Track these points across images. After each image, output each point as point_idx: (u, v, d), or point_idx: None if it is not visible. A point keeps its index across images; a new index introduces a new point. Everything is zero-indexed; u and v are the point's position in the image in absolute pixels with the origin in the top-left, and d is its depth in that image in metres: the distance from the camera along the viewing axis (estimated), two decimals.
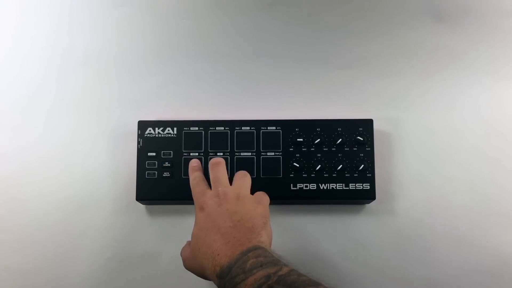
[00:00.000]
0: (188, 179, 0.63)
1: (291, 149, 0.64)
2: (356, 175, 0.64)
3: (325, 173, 0.64)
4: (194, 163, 0.62)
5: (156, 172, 0.64)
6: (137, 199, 0.64)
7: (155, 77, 0.69)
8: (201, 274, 0.52)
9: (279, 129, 0.65)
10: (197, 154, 0.64)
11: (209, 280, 0.51)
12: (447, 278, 0.66)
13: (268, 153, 0.64)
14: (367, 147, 0.64)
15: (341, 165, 0.63)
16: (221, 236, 0.49)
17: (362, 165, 0.63)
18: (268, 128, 0.65)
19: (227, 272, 0.46)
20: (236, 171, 0.63)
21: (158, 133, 0.65)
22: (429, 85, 0.69)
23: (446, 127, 0.68)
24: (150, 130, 0.65)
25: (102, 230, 0.66)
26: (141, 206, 0.67)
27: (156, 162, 0.64)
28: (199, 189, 0.57)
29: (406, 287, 0.66)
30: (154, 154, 0.64)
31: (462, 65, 0.70)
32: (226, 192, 0.54)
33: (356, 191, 0.63)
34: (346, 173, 0.64)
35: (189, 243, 0.56)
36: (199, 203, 0.55)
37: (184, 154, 0.64)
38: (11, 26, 0.70)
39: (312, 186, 0.64)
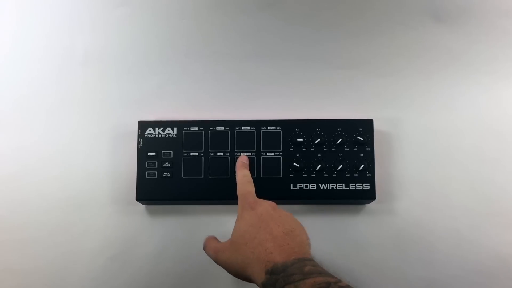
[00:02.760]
0: (188, 179, 0.63)
1: (291, 149, 0.64)
2: (356, 175, 0.64)
3: (325, 173, 0.64)
4: (244, 160, 0.61)
5: (156, 172, 0.64)
6: (137, 199, 0.64)
7: (155, 77, 0.69)
8: (240, 268, 0.50)
9: (279, 129, 0.65)
10: (197, 154, 0.64)
11: (244, 276, 0.50)
12: (447, 278, 0.66)
13: (268, 153, 0.64)
14: (367, 147, 0.64)
15: (341, 165, 0.63)
16: (274, 238, 0.49)
17: (362, 165, 0.64)
18: (268, 128, 0.65)
19: (281, 269, 0.45)
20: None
21: (158, 133, 0.65)
22: (429, 85, 0.69)
23: (446, 127, 0.68)
24: (150, 130, 0.65)
25: (102, 230, 0.66)
26: (141, 206, 0.67)
27: (156, 162, 0.64)
28: (250, 189, 0.56)
29: (406, 287, 0.66)
30: (154, 154, 0.64)
31: (462, 65, 0.70)
32: (275, 204, 0.54)
33: (356, 191, 0.63)
34: (346, 173, 0.64)
35: (214, 239, 0.55)
36: (249, 202, 0.54)
37: (184, 154, 0.64)
38: (11, 26, 0.70)
39: (312, 186, 0.64)
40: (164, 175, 0.64)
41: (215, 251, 0.54)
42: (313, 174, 0.64)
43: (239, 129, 0.65)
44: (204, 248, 0.56)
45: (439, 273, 0.66)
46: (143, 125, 0.65)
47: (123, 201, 0.66)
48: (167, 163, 0.64)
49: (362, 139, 0.64)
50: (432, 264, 0.66)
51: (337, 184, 0.64)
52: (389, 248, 0.66)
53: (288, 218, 0.52)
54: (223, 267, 0.53)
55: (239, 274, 0.51)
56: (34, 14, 0.70)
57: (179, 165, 0.64)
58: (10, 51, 0.70)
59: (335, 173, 0.64)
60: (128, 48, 0.70)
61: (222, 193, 0.63)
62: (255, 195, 0.55)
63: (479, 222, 0.66)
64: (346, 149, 0.64)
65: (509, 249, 0.66)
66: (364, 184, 0.64)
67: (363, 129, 0.65)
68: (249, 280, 0.50)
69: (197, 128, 0.65)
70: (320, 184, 0.63)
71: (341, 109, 0.69)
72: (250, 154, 0.64)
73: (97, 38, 0.70)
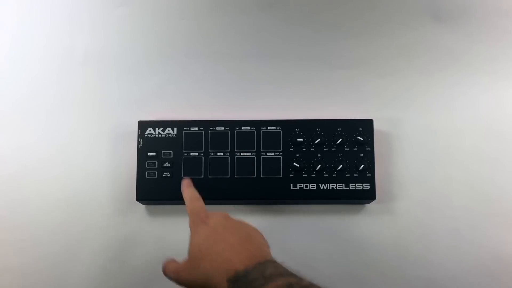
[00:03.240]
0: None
1: (291, 149, 0.64)
2: (356, 175, 0.64)
3: (325, 173, 0.64)
4: (188, 181, 0.60)
5: (156, 172, 0.64)
6: (137, 199, 0.64)
7: (155, 77, 0.69)
8: (202, 283, 0.50)
9: (279, 129, 0.65)
10: (197, 154, 0.64)
11: None
12: (447, 278, 0.66)
13: (268, 153, 0.64)
14: (367, 147, 0.64)
15: (341, 165, 0.63)
16: (231, 246, 0.49)
17: (362, 165, 0.64)
18: (268, 128, 0.65)
19: (243, 276, 0.45)
20: (237, 171, 0.63)
21: (158, 133, 0.65)
22: (429, 85, 0.69)
23: (446, 127, 0.68)
24: (150, 130, 0.65)
25: (102, 230, 0.66)
26: (141, 206, 0.67)
27: (156, 162, 0.64)
28: (199, 203, 0.56)
29: (406, 287, 0.66)
30: (154, 154, 0.64)
31: (462, 65, 0.70)
32: (226, 213, 0.54)
33: (356, 191, 0.63)
34: (346, 173, 0.64)
35: (172, 260, 0.54)
36: (201, 217, 0.54)
37: (184, 154, 0.64)
38: (12, 26, 0.70)
39: (312, 186, 0.64)
40: (164, 175, 0.64)
41: (175, 272, 0.53)
42: (313, 174, 0.64)
43: (239, 129, 0.65)
44: (164, 272, 0.54)
45: (439, 273, 0.66)
46: (143, 125, 0.65)
47: (123, 201, 0.66)
48: (167, 163, 0.64)
49: (362, 139, 0.64)
50: (432, 264, 0.66)
51: (337, 184, 0.64)
52: (389, 248, 0.66)
53: (242, 225, 0.53)
54: (185, 286, 0.52)
55: None
56: (34, 14, 0.70)
57: (179, 165, 0.64)
58: (10, 51, 0.70)
59: (335, 173, 0.64)
60: (128, 48, 0.70)
61: (222, 193, 0.63)
62: (205, 210, 0.55)
63: (479, 222, 0.66)
64: (346, 149, 0.64)
65: (509, 249, 0.66)
66: (364, 184, 0.64)
67: (363, 129, 0.65)
68: None
69: (197, 128, 0.65)
70: (320, 184, 0.63)
71: (341, 109, 0.69)
72: (250, 154, 0.64)
73: (97, 38, 0.70)
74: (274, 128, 0.65)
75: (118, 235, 0.66)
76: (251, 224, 0.53)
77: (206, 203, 0.66)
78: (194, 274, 0.51)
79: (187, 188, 0.59)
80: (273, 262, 0.47)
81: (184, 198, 0.57)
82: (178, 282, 0.53)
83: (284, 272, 0.45)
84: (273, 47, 0.70)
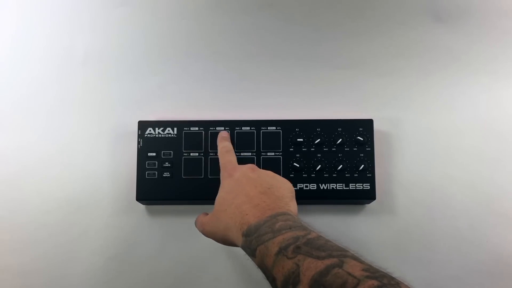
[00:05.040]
0: (188, 179, 0.63)
1: (291, 149, 0.64)
2: (356, 175, 0.64)
3: (325, 173, 0.64)
4: (224, 134, 0.63)
5: (156, 172, 0.64)
6: (137, 199, 0.64)
7: (155, 77, 0.69)
8: (223, 235, 0.51)
9: (279, 129, 0.65)
10: (197, 154, 0.64)
11: (229, 242, 0.51)
12: (447, 278, 0.66)
13: (268, 153, 0.64)
14: (367, 147, 0.64)
15: (341, 165, 0.63)
16: (250, 199, 0.49)
17: (362, 165, 0.64)
18: (268, 128, 0.65)
19: (254, 230, 0.46)
20: None
21: (158, 133, 0.65)
22: (429, 85, 0.69)
23: (446, 127, 0.68)
24: (150, 130, 0.65)
25: (102, 230, 0.66)
26: (141, 206, 0.67)
27: (156, 162, 0.64)
28: (229, 158, 0.58)
29: None
30: (154, 154, 0.64)
31: (462, 65, 0.70)
32: (254, 165, 0.55)
33: (356, 191, 0.63)
34: (346, 173, 0.64)
35: (204, 214, 0.57)
36: (228, 169, 0.55)
37: (184, 154, 0.64)
38: (12, 26, 0.70)
39: (312, 186, 0.64)
40: (164, 175, 0.64)
41: (201, 224, 0.55)
42: (313, 174, 0.64)
43: (239, 129, 0.65)
44: (195, 225, 0.57)
45: (439, 273, 0.66)
46: (143, 125, 0.65)
47: (123, 201, 0.66)
48: (167, 163, 0.64)
49: (362, 139, 0.64)
50: (432, 264, 0.66)
51: (337, 184, 0.64)
52: (389, 248, 0.66)
53: (267, 176, 0.53)
54: (210, 237, 0.54)
55: (224, 240, 0.52)
56: (34, 14, 0.70)
57: (179, 165, 0.64)
58: (10, 51, 0.70)
59: (335, 173, 0.64)
60: (128, 48, 0.70)
61: None
62: (235, 163, 0.56)
63: (479, 222, 0.66)
64: (346, 149, 0.64)
65: (509, 249, 0.66)
66: (364, 184, 0.64)
67: (363, 129, 0.65)
68: (233, 244, 0.50)
69: (197, 128, 0.65)
70: (320, 184, 0.63)
71: (341, 109, 0.69)
72: (250, 154, 0.64)
73: (97, 38, 0.70)
74: (274, 128, 0.65)
75: (118, 235, 0.66)
76: (279, 176, 0.54)
77: (206, 203, 0.66)
78: (216, 227, 0.52)
79: (220, 142, 0.61)
80: (284, 214, 0.47)
81: (218, 151, 0.60)
82: (203, 233, 0.55)
83: (293, 225, 0.45)
84: (273, 47, 0.70)
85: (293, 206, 0.51)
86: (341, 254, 0.41)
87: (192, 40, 0.70)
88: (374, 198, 0.64)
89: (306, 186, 0.64)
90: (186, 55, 0.70)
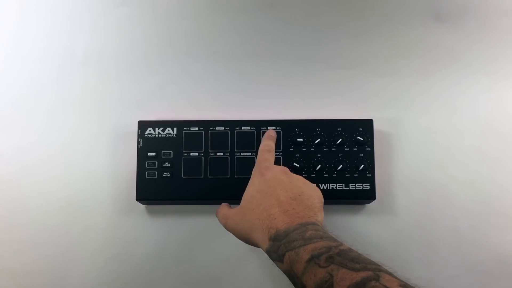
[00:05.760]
0: (188, 179, 0.63)
1: (291, 149, 0.64)
2: (356, 175, 0.64)
3: (325, 173, 0.64)
4: (272, 133, 0.62)
5: (156, 172, 0.64)
6: (137, 199, 0.64)
7: (155, 77, 0.69)
8: (247, 233, 0.51)
9: (279, 129, 0.65)
10: (197, 154, 0.64)
11: (252, 242, 0.50)
12: (447, 278, 0.66)
13: None
14: (367, 147, 0.64)
15: (341, 165, 0.63)
16: (279, 203, 0.49)
17: (362, 165, 0.64)
18: (268, 128, 0.65)
19: (283, 236, 0.45)
20: (237, 171, 0.63)
21: (158, 133, 0.65)
22: (429, 85, 0.69)
23: (446, 127, 0.68)
24: (150, 130, 0.65)
25: (102, 230, 0.66)
26: (141, 206, 0.67)
27: (156, 162, 0.64)
28: (267, 156, 0.57)
29: None
30: (154, 154, 0.64)
31: (462, 65, 0.70)
32: (287, 168, 0.55)
33: (356, 191, 0.63)
34: (346, 173, 0.64)
35: (227, 206, 0.57)
36: (262, 167, 0.55)
37: (184, 154, 0.64)
38: (12, 26, 0.70)
39: None
40: (164, 175, 0.64)
41: (224, 217, 0.55)
42: (313, 174, 0.64)
43: (239, 129, 0.65)
44: (216, 215, 0.57)
45: (439, 273, 0.66)
46: (143, 125, 0.65)
47: (123, 201, 0.66)
48: (167, 163, 0.64)
49: (362, 139, 0.64)
50: (432, 264, 0.66)
51: (337, 184, 0.64)
52: (389, 248, 0.66)
53: (299, 182, 0.53)
54: (231, 232, 0.54)
55: (246, 239, 0.51)
56: (34, 14, 0.70)
57: (179, 165, 0.64)
58: (11, 51, 0.70)
59: (335, 173, 0.64)
60: (128, 48, 0.70)
61: (222, 193, 0.63)
62: (270, 162, 0.56)
63: (479, 222, 0.66)
64: (346, 149, 0.64)
65: (509, 249, 0.66)
66: (364, 184, 0.64)
67: (363, 129, 0.65)
68: (256, 245, 0.50)
69: (197, 128, 0.65)
70: (320, 184, 0.63)
71: (341, 109, 0.69)
72: (250, 154, 0.64)
73: (97, 38, 0.70)
74: (274, 128, 0.65)
75: (118, 235, 0.66)
76: (310, 183, 0.53)
77: (206, 203, 0.66)
78: (241, 224, 0.52)
79: (265, 139, 0.61)
80: (314, 224, 0.47)
81: (260, 146, 0.60)
82: (225, 227, 0.55)
83: (324, 236, 0.45)
84: (273, 47, 0.70)
85: (321, 216, 0.51)
86: (376, 268, 0.40)
87: (192, 40, 0.70)
88: (374, 198, 0.64)
89: None
90: (186, 55, 0.70)
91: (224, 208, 0.57)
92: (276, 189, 0.51)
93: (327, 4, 0.70)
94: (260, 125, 0.65)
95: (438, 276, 0.66)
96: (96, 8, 0.70)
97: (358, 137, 0.64)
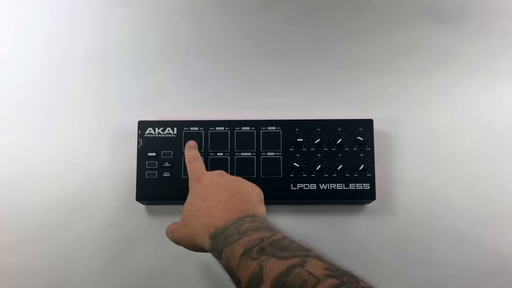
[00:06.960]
0: (188, 179, 0.63)
1: (291, 149, 0.64)
2: (356, 175, 0.64)
3: (325, 173, 0.64)
4: (191, 143, 0.63)
5: (156, 172, 0.64)
6: (137, 199, 0.64)
7: (155, 77, 0.69)
8: (191, 240, 0.51)
9: (279, 129, 0.65)
10: None
11: (198, 247, 0.50)
12: (447, 278, 0.66)
13: (268, 153, 0.64)
14: (367, 147, 0.64)
15: (341, 165, 0.63)
16: (218, 203, 0.49)
17: (362, 165, 0.63)
18: (268, 128, 0.65)
19: (221, 232, 0.46)
20: (237, 171, 0.63)
21: (158, 133, 0.65)
22: (429, 85, 0.69)
23: (446, 127, 0.68)
24: (150, 130, 0.65)
25: (102, 230, 0.66)
26: (141, 206, 0.67)
27: (156, 162, 0.64)
28: (197, 165, 0.57)
29: (406, 287, 0.66)
30: (154, 154, 0.64)
31: (462, 65, 0.70)
32: (223, 171, 0.55)
33: (356, 191, 0.63)
34: (346, 173, 0.64)
35: (174, 223, 0.56)
36: (196, 176, 0.54)
37: (184, 154, 0.64)
38: (12, 26, 0.70)
39: (312, 186, 0.64)
40: (164, 175, 0.64)
41: (170, 231, 0.55)
42: (313, 174, 0.64)
43: (239, 129, 0.65)
44: (166, 234, 0.56)
45: (439, 273, 0.66)
46: (143, 125, 0.65)
47: (123, 201, 0.66)
48: (167, 163, 0.64)
49: (362, 139, 0.64)
50: (432, 264, 0.66)
51: (337, 184, 0.64)
52: (389, 248, 0.66)
53: (236, 182, 0.53)
54: (180, 244, 0.54)
55: (193, 245, 0.51)
56: (34, 14, 0.70)
57: (179, 165, 0.64)
58: (10, 51, 0.70)
59: (335, 173, 0.64)
60: (128, 48, 0.70)
61: None
62: (203, 170, 0.56)
63: (479, 222, 0.66)
64: (346, 149, 0.64)
65: (509, 249, 0.66)
66: (364, 184, 0.64)
67: (363, 129, 0.65)
68: (202, 249, 0.50)
69: (197, 128, 0.65)
70: (320, 184, 0.63)
71: (341, 109, 0.69)
72: (250, 154, 0.64)
73: (97, 38, 0.70)
74: (274, 128, 0.65)
75: (118, 235, 0.66)
76: (248, 182, 0.53)
77: None
78: (184, 233, 0.52)
79: (188, 150, 0.61)
80: (252, 216, 0.47)
81: (185, 159, 0.59)
82: (173, 241, 0.55)
83: (259, 227, 0.45)
84: (273, 47, 0.70)
85: (261, 209, 0.51)
86: (304, 254, 0.40)
87: (192, 40, 0.70)
88: (374, 198, 0.64)
89: (306, 186, 0.64)
90: (186, 55, 0.70)
91: (171, 225, 0.56)
92: (214, 191, 0.51)
93: (327, 4, 0.70)
94: (260, 125, 0.65)
95: (438, 276, 0.66)
96: (96, 8, 0.70)
97: (358, 137, 0.64)
